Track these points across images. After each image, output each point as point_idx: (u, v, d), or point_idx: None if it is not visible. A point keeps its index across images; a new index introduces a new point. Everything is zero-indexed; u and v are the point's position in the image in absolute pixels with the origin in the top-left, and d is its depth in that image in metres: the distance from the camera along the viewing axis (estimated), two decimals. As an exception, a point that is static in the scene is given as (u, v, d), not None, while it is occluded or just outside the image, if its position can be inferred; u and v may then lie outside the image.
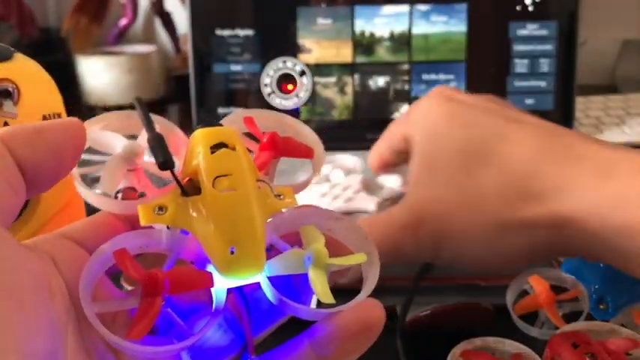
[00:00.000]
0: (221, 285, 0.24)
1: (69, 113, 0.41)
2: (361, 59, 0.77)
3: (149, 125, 0.25)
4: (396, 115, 0.78)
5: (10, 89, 0.38)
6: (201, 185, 0.24)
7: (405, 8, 0.76)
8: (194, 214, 0.24)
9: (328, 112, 0.78)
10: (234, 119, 0.29)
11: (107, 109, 0.28)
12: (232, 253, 0.23)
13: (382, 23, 0.76)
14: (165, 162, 0.24)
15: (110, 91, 0.94)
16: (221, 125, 0.26)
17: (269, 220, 0.25)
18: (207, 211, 0.23)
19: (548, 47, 0.77)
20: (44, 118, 0.40)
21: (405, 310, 0.47)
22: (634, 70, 1.01)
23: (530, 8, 0.76)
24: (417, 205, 0.36)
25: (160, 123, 0.26)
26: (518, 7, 0.76)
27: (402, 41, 0.76)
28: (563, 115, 0.78)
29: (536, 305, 0.41)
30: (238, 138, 0.25)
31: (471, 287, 0.50)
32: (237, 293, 0.25)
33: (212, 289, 0.24)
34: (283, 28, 0.77)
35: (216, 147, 0.25)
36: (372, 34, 0.75)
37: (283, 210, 0.26)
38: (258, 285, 0.24)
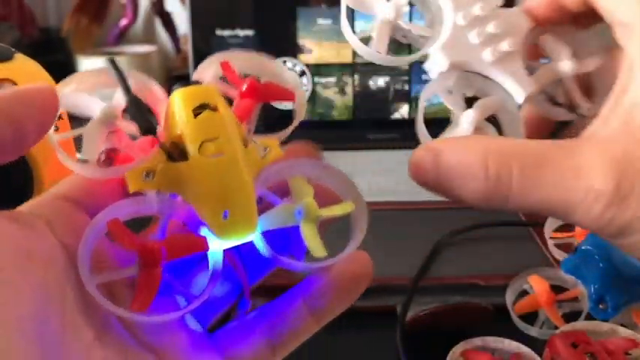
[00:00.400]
0: (216, 247, 0.24)
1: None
2: (361, 59, 0.77)
3: (126, 89, 0.24)
4: (395, 115, 0.78)
5: (11, 89, 0.38)
6: (188, 151, 0.24)
7: (405, 9, 0.76)
8: (183, 180, 0.24)
9: (328, 112, 0.78)
10: (209, 64, 0.28)
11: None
12: (225, 217, 0.23)
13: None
14: (148, 129, 0.23)
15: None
16: (199, 83, 0.26)
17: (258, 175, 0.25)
18: (197, 177, 0.23)
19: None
20: (44, 118, 0.40)
21: (405, 310, 0.47)
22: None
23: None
24: (630, 170, 0.22)
25: (134, 79, 0.25)
26: (518, 8, 0.77)
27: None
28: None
29: (535, 305, 0.41)
30: (219, 96, 0.25)
31: (471, 287, 0.50)
32: (232, 248, 0.25)
33: (209, 252, 0.24)
34: (283, 28, 0.77)
35: (198, 109, 0.24)
36: (372, 35, 0.75)
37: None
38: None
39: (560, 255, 0.46)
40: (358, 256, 0.25)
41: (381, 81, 0.77)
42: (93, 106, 0.25)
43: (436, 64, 0.29)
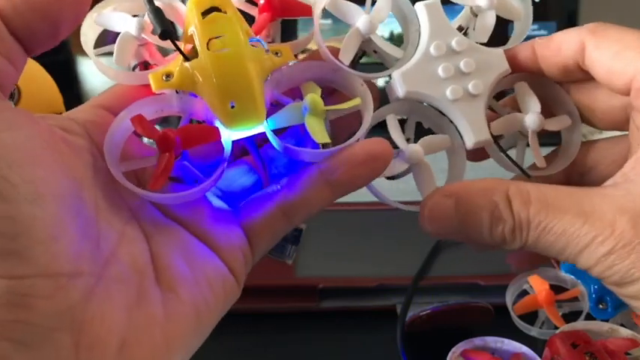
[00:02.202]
0: (227, 137, 0.26)
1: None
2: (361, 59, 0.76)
3: (148, 0, 0.26)
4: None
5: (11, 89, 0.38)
6: (197, 48, 0.25)
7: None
8: (196, 77, 0.25)
9: (328, 112, 0.78)
10: None
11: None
12: (233, 107, 0.25)
13: (382, 23, 0.75)
14: (164, 32, 0.25)
15: (110, 91, 0.94)
16: None
17: (268, 77, 0.27)
18: (206, 71, 0.25)
19: (547, 47, 0.77)
20: (45, 118, 0.41)
21: (405, 310, 0.47)
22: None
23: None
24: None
25: (161, 1, 0.28)
26: (518, 8, 0.77)
27: (402, 41, 0.75)
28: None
29: (535, 305, 0.41)
30: (230, 2, 0.27)
31: (471, 287, 0.50)
32: (249, 145, 0.28)
33: (222, 140, 0.26)
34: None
35: (208, 11, 0.26)
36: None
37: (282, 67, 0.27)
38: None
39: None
40: (375, 139, 0.27)
41: (380, 81, 0.77)
42: (126, 22, 0.28)
43: (394, 88, 0.29)
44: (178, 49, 0.26)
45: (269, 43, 0.29)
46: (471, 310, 0.46)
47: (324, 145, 0.27)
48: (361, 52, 0.31)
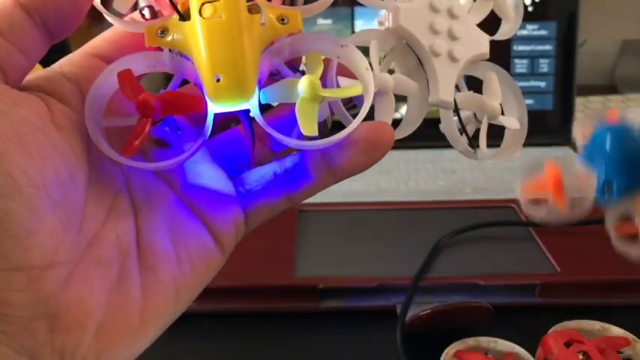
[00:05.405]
0: (211, 110, 0.24)
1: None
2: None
3: None
4: (395, 115, 0.78)
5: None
6: (190, 11, 0.24)
7: None
8: (188, 40, 0.24)
9: (329, 114, 0.78)
10: None
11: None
12: (218, 81, 0.23)
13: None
14: None
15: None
16: None
17: (271, 45, 0.25)
18: (195, 38, 0.23)
19: (547, 47, 0.77)
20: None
21: (405, 310, 0.47)
22: (633, 70, 1.00)
23: (530, 8, 0.76)
24: None
25: None
26: (518, 8, 0.77)
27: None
28: (562, 115, 0.78)
29: (542, 188, 0.40)
30: None
31: (471, 287, 0.50)
32: (242, 117, 0.26)
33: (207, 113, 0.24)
34: None
35: None
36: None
37: (286, 35, 0.25)
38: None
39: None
40: (380, 126, 0.26)
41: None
42: None
43: (387, 18, 0.28)
44: (173, 5, 0.24)
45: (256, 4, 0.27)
46: (470, 310, 0.46)
47: (310, 137, 0.25)
48: None
